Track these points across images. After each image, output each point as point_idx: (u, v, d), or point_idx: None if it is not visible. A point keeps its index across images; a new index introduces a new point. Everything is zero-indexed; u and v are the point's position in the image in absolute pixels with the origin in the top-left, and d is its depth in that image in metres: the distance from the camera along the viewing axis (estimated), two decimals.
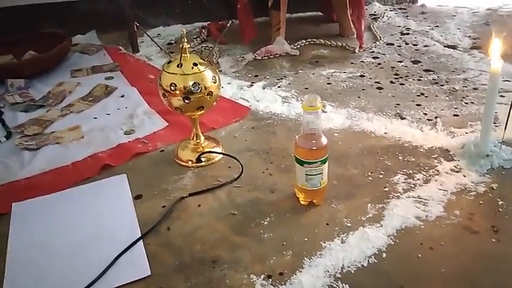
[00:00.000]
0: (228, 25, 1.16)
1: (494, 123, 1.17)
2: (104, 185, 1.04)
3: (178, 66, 1.00)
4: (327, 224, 0.91)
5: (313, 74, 1.58)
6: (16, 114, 1.35)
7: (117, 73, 1.61)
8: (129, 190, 1.01)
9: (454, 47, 1.68)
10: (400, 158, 1.10)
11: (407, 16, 2.02)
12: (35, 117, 1.33)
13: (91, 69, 1.65)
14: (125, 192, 1.01)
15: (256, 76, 1.58)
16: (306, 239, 0.87)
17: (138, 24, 1.15)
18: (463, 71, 1.51)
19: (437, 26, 1.88)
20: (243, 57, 1.72)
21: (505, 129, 1.06)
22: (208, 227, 0.91)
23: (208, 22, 2.01)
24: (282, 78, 1.55)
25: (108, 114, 1.35)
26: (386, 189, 1.00)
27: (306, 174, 0.92)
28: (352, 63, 1.63)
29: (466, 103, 1.33)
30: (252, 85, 1.51)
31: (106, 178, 1.06)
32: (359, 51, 1.70)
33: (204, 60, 1.03)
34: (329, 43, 1.78)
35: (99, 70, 1.64)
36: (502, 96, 1.31)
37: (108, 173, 1.09)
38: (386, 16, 2.02)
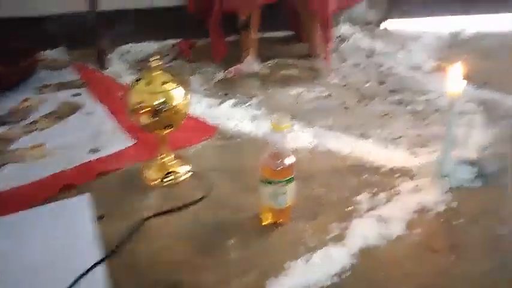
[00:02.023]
0: (196, 45, 1.16)
1: (456, 143, 1.21)
2: (64, 205, 1.02)
3: (146, 84, 1.00)
4: (292, 244, 0.91)
5: (282, 93, 1.60)
6: None
7: (85, 90, 1.59)
8: (91, 211, 0.99)
9: (417, 69, 1.74)
10: (364, 177, 1.12)
11: (373, 38, 2.07)
12: None
13: (58, 86, 1.63)
14: (86, 213, 0.99)
15: (226, 94, 1.59)
16: (270, 260, 0.87)
17: (103, 47, 1.13)
18: (426, 93, 1.55)
19: (401, 48, 1.93)
20: (213, 76, 1.73)
21: (464, 149, 1.11)
22: (172, 248, 0.91)
23: (180, 40, 2.01)
24: (251, 97, 1.56)
25: (73, 131, 1.33)
26: (350, 208, 1.02)
27: (272, 194, 0.93)
28: (319, 83, 1.66)
29: (428, 123, 1.37)
30: (221, 103, 1.52)
31: (67, 198, 1.04)
32: (327, 71, 1.73)
33: (173, 78, 1.04)
34: (298, 63, 1.81)
35: (67, 86, 1.62)
36: (463, 117, 1.36)
37: (71, 193, 1.07)
38: (354, 37, 2.08)
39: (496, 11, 2.25)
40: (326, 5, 1.62)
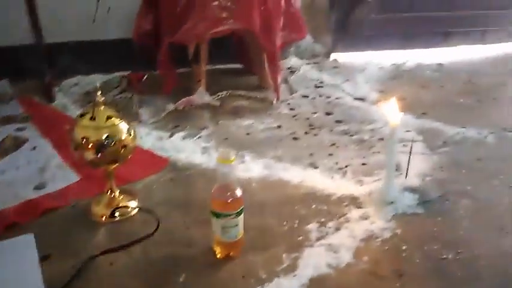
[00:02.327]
0: (145, 77, 1.17)
1: (398, 171, 1.27)
2: (8, 245, 0.97)
3: (91, 119, 0.99)
4: (243, 277, 0.91)
5: (233, 124, 1.62)
6: None
7: (30, 124, 1.55)
8: (35, 250, 0.95)
9: (362, 100, 1.81)
10: (313, 206, 1.15)
11: (321, 70, 2.15)
12: None
13: (1, 120, 1.57)
14: (30, 253, 0.95)
15: (176, 126, 1.59)
16: None
17: (49, 79, 1.12)
18: (371, 122, 1.62)
19: (348, 80, 2.02)
20: (163, 108, 1.73)
21: (405, 177, 1.16)
22: (122, 287, 0.88)
23: (129, 72, 2.01)
24: (202, 129, 1.57)
25: (17, 168, 1.29)
26: (300, 238, 1.03)
27: (222, 227, 0.93)
28: (270, 114, 1.70)
29: (373, 152, 1.42)
30: (172, 136, 1.52)
31: (11, 238, 1.00)
32: (276, 103, 1.78)
33: (119, 113, 1.03)
34: (248, 94, 1.84)
35: (10, 121, 1.57)
36: (404, 145, 1.42)
37: (15, 232, 1.02)
38: (302, 69, 2.15)
39: (435, 45, 2.41)
40: (273, 41, 1.68)
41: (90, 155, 0.98)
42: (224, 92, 1.85)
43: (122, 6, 1.96)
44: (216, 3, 1.56)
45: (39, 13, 1.71)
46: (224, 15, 1.57)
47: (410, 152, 1.13)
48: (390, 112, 1.10)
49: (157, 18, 1.73)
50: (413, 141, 1.31)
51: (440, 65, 2.22)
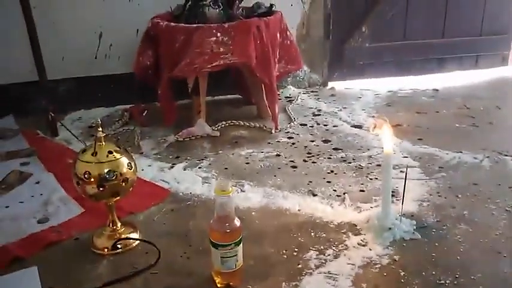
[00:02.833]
0: (146, 112, 1.20)
1: (396, 197, 1.29)
2: (11, 280, 0.99)
3: (93, 154, 1.02)
4: None
5: (233, 154, 1.65)
6: None
7: (34, 158, 1.58)
8: (39, 284, 0.97)
9: (359, 127, 1.85)
10: (312, 234, 1.16)
11: (318, 98, 2.20)
12: None
13: (6, 155, 1.61)
14: (34, 286, 0.96)
15: (177, 157, 1.62)
16: None
17: (53, 114, 1.15)
18: (368, 149, 1.65)
19: (344, 107, 2.06)
20: (164, 139, 1.77)
21: (402, 203, 1.17)
22: None
23: (131, 105, 2.06)
24: (202, 159, 1.60)
25: (21, 202, 1.32)
26: (299, 266, 1.04)
27: (221, 257, 0.94)
28: (269, 143, 1.73)
29: (371, 179, 1.44)
30: (173, 166, 1.55)
31: (15, 272, 1.02)
32: (275, 131, 1.81)
33: (120, 148, 1.06)
34: (247, 124, 1.88)
35: (15, 155, 1.60)
36: (401, 171, 1.45)
37: (19, 266, 1.04)
38: (300, 99, 2.20)
39: (429, 71, 2.47)
40: (270, 73, 1.73)
41: (92, 189, 1.01)
42: (224, 123, 1.89)
43: (123, 42, 2.03)
44: (213, 38, 1.62)
45: (42, 51, 1.77)
46: (221, 50, 1.63)
47: (405, 179, 1.15)
48: (384, 139, 1.13)
49: (157, 54, 1.78)
50: (407, 167, 1.33)
51: (435, 90, 2.26)
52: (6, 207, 1.29)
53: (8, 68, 1.95)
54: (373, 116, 1.95)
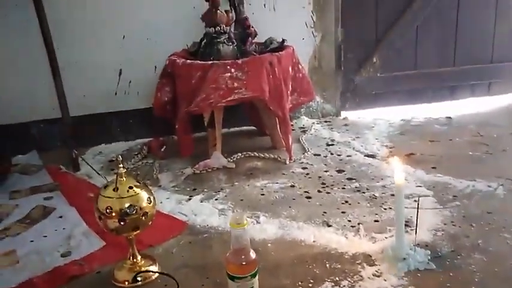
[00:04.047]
0: (164, 148, 1.25)
1: (410, 226, 1.30)
2: None
3: (114, 189, 1.07)
4: None
5: (248, 185, 1.68)
6: None
7: (57, 193, 1.64)
8: None
9: (373, 156, 1.87)
10: (327, 265, 1.18)
11: (332, 128, 2.24)
12: None
13: (30, 190, 1.67)
14: None
15: (194, 190, 1.67)
16: None
17: (76, 152, 1.21)
18: (382, 179, 1.67)
19: (358, 137, 2.09)
20: (182, 172, 1.81)
21: (415, 233, 1.19)
22: None
23: (150, 139, 2.12)
24: (219, 191, 1.64)
25: (45, 236, 1.36)
26: None
27: None
28: (283, 174, 1.76)
29: (385, 209, 1.46)
30: (190, 199, 1.59)
31: None
32: (289, 162, 1.85)
33: (140, 183, 1.11)
34: (262, 155, 1.92)
35: (39, 190, 1.66)
36: (415, 201, 1.46)
37: None
38: (314, 129, 2.23)
39: (442, 100, 2.49)
40: (283, 106, 1.78)
41: (113, 224, 1.05)
42: (239, 154, 1.93)
43: (142, 79, 2.11)
44: (227, 74, 1.68)
45: (64, 89, 1.86)
46: (236, 85, 1.69)
47: (417, 208, 1.17)
48: (396, 170, 1.15)
49: (174, 89, 1.85)
50: (419, 197, 1.35)
51: (448, 118, 2.28)
52: (31, 241, 1.34)
53: (33, 106, 2.05)
54: (387, 146, 1.97)
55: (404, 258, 1.16)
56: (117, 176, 1.07)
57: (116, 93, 2.13)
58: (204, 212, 1.49)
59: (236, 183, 1.70)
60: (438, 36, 2.40)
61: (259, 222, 1.41)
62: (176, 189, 1.68)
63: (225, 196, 1.60)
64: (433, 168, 1.71)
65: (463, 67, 2.46)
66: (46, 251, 1.27)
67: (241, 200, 1.57)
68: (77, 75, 2.02)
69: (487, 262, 1.15)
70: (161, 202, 1.53)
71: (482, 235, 1.27)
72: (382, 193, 1.56)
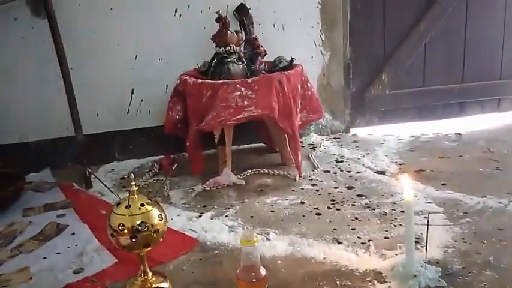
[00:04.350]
0: (175, 166, 1.27)
1: (420, 243, 1.30)
2: None
3: (126, 207, 1.09)
4: None
5: (258, 202, 1.69)
6: None
7: (70, 210, 1.66)
8: None
9: (382, 173, 1.87)
10: (337, 282, 1.18)
11: (341, 145, 2.25)
12: None
13: (43, 207, 1.69)
14: None
15: (204, 206, 1.68)
16: None
17: (90, 170, 1.24)
18: (392, 195, 1.67)
19: (367, 153, 2.10)
20: (192, 189, 1.83)
21: (426, 249, 1.18)
22: None
23: (161, 156, 2.15)
24: (229, 208, 1.65)
25: (58, 253, 1.38)
26: None
27: None
28: (293, 190, 1.77)
29: (395, 225, 1.46)
30: (200, 215, 1.60)
31: None
32: (299, 179, 1.85)
33: (151, 200, 1.13)
34: (272, 172, 1.93)
35: (52, 208, 1.69)
36: (425, 217, 1.46)
37: None
38: (323, 146, 2.25)
39: (451, 116, 2.49)
40: (292, 123, 1.80)
41: (125, 241, 1.06)
42: (249, 171, 1.94)
43: (153, 98, 2.15)
44: (237, 93, 1.71)
45: (78, 108, 1.90)
46: (245, 103, 1.71)
47: (428, 225, 1.17)
48: (405, 187, 1.15)
49: (185, 108, 1.89)
50: (430, 213, 1.35)
51: (458, 134, 2.28)
52: (44, 258, 1.35)
53: (47, 125, 2.09)
54: (396, 162, 1.97)
55: (415, 275, 1.15)
56: (129, 194, 1.09)
57: (128, 112, 2.17)
58: (215, 228, 1.50)
59: (246, 200, 1.71)
60: (446, 53, 2.41)
61: (269, 239, 1.41)
62: (187, 206, 1.69)
63: (235, 213, 1.61)
64: (443, 184, 1.71)
65: (472, 84, 2.46)
66: (59, 268, 1.29)
67: (251, 216, 1.58)
68: (90, 95, 2.06)
69: (499, 279, 1.14)
70: (172, 219, 1.55)
71: (493, 252, 1.26)
72: (392, 210, 1.56)
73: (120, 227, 1.06)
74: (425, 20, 2.33)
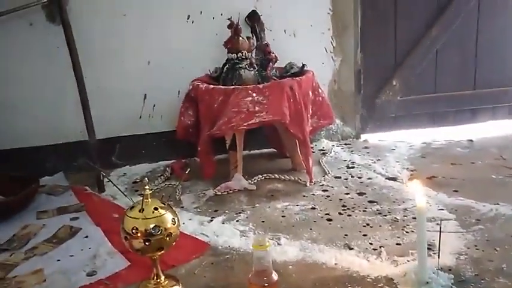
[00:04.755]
0: (187, 171, 1.28)
1: (432, 250, 1.29)
2: None
3: (140, 211, 1.10)
4: None
5: (269, 207, 1.69)
6: None
7: (83, 213, 1.68)
8: None
9: (394, 179, 1.87)
10: None
11: (352, 151, 2.25)
12: None
13: (57, 211, 1.71)
14: None
15: (216, 211, 1.69)
16: None
17: (104, 174, 1.25)
18: (403, 201, 1.66)
19: (378, 160, 2.10)
20: (204, 193, 1.84)
21: (438, 256, 1.18)
22: None
23: (173, 161, 2.16)
24: (240, 213, 1.66)
25: (71, 255, 1.39)
26: None
27: None
28: (304, 196, 1.77)
29: (407, 232, 1.45)
30: (212, 220, 1.61)
31: None
32: (310, 184, 1.86)
33: (164, 204, 1.14)
34: (283, 177, 1.94)
35: (65, 211, 1.71)
36: (437, 224, 1.45)
37: None
38: (334, 151, 2.25)
39: (463, 122, 2.48)
40: (303, 129, 1.81)
41: (139, 244, 1.08)
42: (260, 176, 1.95)
43: (165, 103, 2.17)
44: (249, 98, 1.72)
45: (92, 113, 1.92)
46: (257, 109, 1.73)
47: (440, 231, 1.17)
48: (417, 194, 1.15)
49: (197, 113, 1.90)
50: (441, 220, 1.34)
51: (470, 141, 2.27)
52: (58, 260, 1.37)
53: (61, 129, 2.12)
54: (408, 168, 1.97)
55: (427, 282, 1.15)
56: (143, 197, 1.10)
57: (140, 117, 2.19)
58: (226, 233, 1.51)
59: (257, 205, 1.72)
60: (458, 60, 2.41)
61: (280, 244, 1.42)
62: (198, 210, 1.70)
63: (246, 218, 1.62)
64: (455, 191, 1.70)
65: (484, 90, 2.45)
66: (72, 270, 1.30)
67: (262, 221, 1.59)
68: (103, 100, 2.09)
69: (511, 286, 1.14)
70: (183, 223, 1.56)
71: (506, 259, 1.25)
72: (404, 216, 1.55)
73: (133, 230, 1.07)
74: (437, 26, 2.33)
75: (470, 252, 1.30)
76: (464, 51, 2.40)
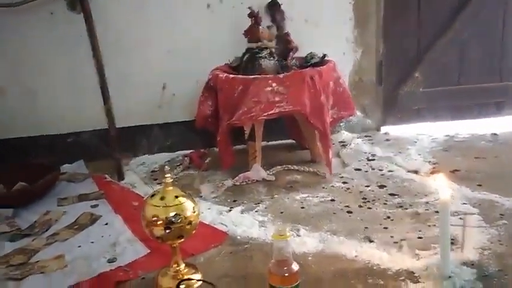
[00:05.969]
0: (207, 161, 1.28)
1: (455, 244, 1.27)
2: None
3: (161, 198, 1.10)
4: None
5: (288, 198, 1.68)
6: (2, 244, 1.41)
7: (103, 201, 1.70)
8: None
9: (415, 172, 1.83)
10: (369, 281, 1.16)
11: (372, 143, 2.21)
12: (20, 247, 1.38)
13: (77, 198, 1.74)
14: None
15: (234, 201, 1.69)
16: None
17: (123, 161, 1.25)
18: (425, 195, 1.63)
19: (400, 152, 2.06)
20: (222, 183, 1.84)
21: (461, 251, 1.16)
22: None
23: (191, 150, 2.17)
24: (258, 203, 1.65)
25: (92, 242, 1.41)
26: None
27: None
28: (323, 187, 1.76)
29: (429, 225, 1.42)
30: (230, 210, 1.61)
31: None
32: (329, 176, 1.84)
33: (185, 193, 1.14)
34: (302, 169, 1.92)
35: (85, 198, 1.73)
36: (460, 218, 1.42)
37: None
38: (354, 143, 2.22)
39: (487, 116, 2.42)
40: (323, 120, 1.78)
41: (159, 231, 1.08)
42: (278, 167, 1.94)
43: (184, 92, 2.17)
44: (269, 88, 1.71)
45: (112, 102, 1.93)
46: (277, 99, 1.71)
47: (463, 226, 1.14)
48: (441, 187, 1.13)
49: (216, 103, 1.89)
50: (465, 214, 1.31)
51: (494, 135, 2.21)
52: (79, 246, 1.39)
53: (81, 118, 2.14)
54: (430, 161, 1.93)
55: (450, 277, 1.13)
56: (164, 185, 1.10)
57: (159, 106, 2.19)
58: (245, 223, 1.50)
59: (276, 196, 1.71)
60: (483, 51, 2.34)
61: (299, 235, 1.41)
62: (217, 200, 1.70)
63: (265, 208, 1.61)
64: (478, 185, 1.67)
65: (510, 83, 2.38)
66: (93, 257, 1.32)
67: (281, 212, 1.58)
68: (123, 89, 2.10)
69: None
70: (202, 212, 1.55)
71: None
72: (426, 209, 1.53)
73: (154, 218, 1.08)
74: (461, 17, 2.27)
75: (493, 247, 1.27)
76: (489, 43, 2.33)
